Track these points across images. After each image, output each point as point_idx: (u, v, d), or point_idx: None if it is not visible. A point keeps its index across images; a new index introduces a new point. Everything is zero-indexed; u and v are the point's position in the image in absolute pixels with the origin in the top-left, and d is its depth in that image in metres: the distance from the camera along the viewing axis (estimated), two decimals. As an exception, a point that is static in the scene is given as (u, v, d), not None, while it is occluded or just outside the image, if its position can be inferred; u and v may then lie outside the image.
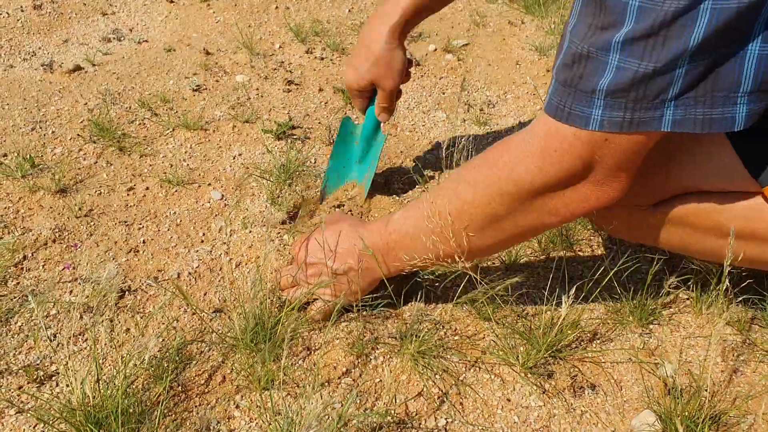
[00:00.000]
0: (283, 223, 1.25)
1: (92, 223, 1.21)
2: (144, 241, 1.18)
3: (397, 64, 1.19)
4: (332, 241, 0.99)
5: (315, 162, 1.44)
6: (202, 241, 1.20)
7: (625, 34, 0.68)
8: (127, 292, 1.07)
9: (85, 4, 2.05)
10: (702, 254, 0.98)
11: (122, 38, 1.89)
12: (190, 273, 1.13)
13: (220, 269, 1.14)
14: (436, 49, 1.98)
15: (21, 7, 1.98)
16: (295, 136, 1.52)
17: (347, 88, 1.26)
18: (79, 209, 1.22)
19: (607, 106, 0.72)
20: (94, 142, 1.42)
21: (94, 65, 1.73)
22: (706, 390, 0.93)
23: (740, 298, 1.03)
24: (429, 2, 1.18)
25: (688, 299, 1.12)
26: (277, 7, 2.14)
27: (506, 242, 0.94)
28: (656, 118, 0.72)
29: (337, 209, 1.29)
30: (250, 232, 1.22)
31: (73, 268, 1.10)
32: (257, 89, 1.70)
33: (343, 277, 0.98)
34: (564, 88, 0.76)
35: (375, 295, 1.02)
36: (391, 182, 1.41)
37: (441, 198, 0.91)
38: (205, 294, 1.09)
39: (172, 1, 2.11)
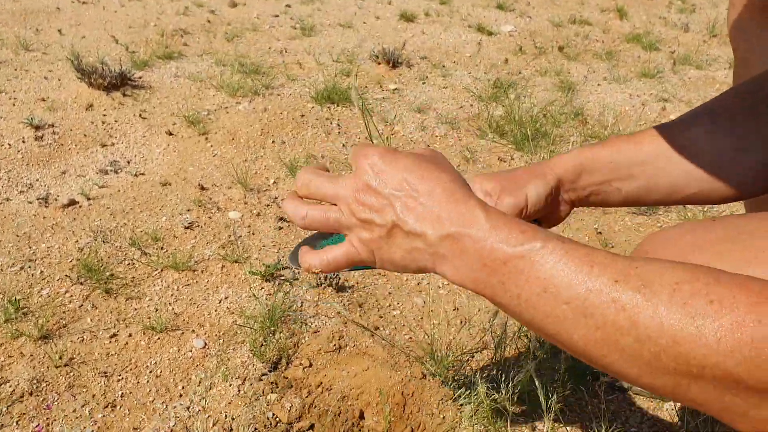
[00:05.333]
0: (263, 375, 1.23)
1: (71, 374, 1.19)
2: (122, 395, 1.16)
3: None
4: (423, 189, 0.60)
5: (302, 306, 1.44)
6: (181, 395, 1.18)
7: None
8: (99, 454, 1.05)
9: (85, 135, 2.11)
10: None
11: (119, 170, 1.94)
12: (166, 432, 1.10)
13: (197, 429, 1.11)
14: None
15: (23, 138, 2.04)
16: (283, 277, 1.53)
17: None
18: (60, 358, 1.21)
19: None
20: (81, 284, 1.43)
21: (89, 199, 1.76)
22: None
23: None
24: None
25: None
26: (273, 142, 2.20)
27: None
28: None
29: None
30: (230, 385, 1.20)
31: (47, 426, 1.08)
32: (249, 226, 1.72)
33: (408, 241, 0.62)
34: None
35: None
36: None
37: (626, 294, 0.49)
38: (179, 456, 1.06)
39: (171, 134, 2.18)
